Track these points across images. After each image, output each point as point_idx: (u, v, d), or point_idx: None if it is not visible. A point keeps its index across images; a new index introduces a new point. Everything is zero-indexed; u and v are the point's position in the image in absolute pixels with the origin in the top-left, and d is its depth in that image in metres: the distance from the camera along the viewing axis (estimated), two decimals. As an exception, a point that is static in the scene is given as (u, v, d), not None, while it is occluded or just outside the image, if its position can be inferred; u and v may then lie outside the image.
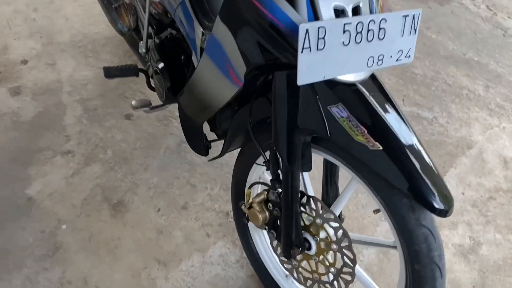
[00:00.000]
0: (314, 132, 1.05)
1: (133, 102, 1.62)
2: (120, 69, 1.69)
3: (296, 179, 1.15)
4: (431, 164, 1.00)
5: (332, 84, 0.99)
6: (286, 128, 1.08)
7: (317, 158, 1.14)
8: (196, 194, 1.78)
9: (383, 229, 1.72)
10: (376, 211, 1.13)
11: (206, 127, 1.51)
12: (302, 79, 0.87)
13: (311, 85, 1.01)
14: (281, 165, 1.16)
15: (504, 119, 2.20)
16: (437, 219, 1.01)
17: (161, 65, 1.58)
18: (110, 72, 1.67)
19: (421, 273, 1.03)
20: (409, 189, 0.97)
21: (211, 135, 1.55)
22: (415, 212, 1.00)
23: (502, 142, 2.09)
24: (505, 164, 1.99)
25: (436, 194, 0.96)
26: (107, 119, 2.06)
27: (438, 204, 0.96)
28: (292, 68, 0.95)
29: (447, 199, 0.97)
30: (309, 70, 0.86)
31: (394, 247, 1.11)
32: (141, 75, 1.78)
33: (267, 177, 1.35)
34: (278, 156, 1.15)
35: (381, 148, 0.97)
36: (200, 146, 1.52)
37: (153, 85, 1.69)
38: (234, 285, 1.53)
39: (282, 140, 1.09)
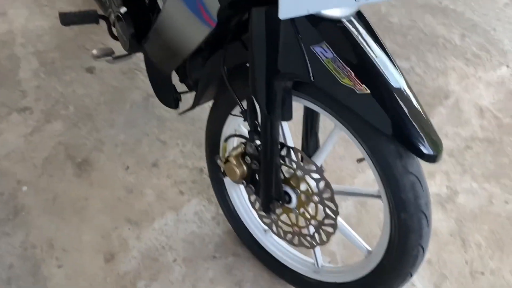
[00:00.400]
0: (296, 76, 0.97)
1: (94, 51, 1.48)
2: (78, 15, 1.53)
3: (275, 129, 1.07)
4: (420, 109, 0.94)
5: (315, 21, 0.90)
6: (265, 73, 0.98)
7: (297, 106, 1.06)
8: (167, 151, 1.69)
9: (361, 180, 1.69)
10: (360, 160, 1.07)
11: (175, 78, 1.40)
12: (284, 12, 0.77)
13: (293, 23, 0.91)
14: (259, 115, 1.08)
15: (480, 68, 2.17)
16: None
17: (123, 9, 1.44)
18: (67, 18, 1.52)
19: (408, 222, 0.99)
20: (397, 135, 0.91)
21: (181, 87, 1.44)
22: (403, 159, 0.95)
23: (478, 91, 2.06)
24: (481, 113, 1.97)
25: (424, 139, 0.91)
26: (67, 73, 1.91)
27: (427, 149, 0.91)
28: (271, 2, 0.85)
29: (436, 144, 0.92)
30: (292, 1, 0.77)
31: (379, 196, 1.07)
32: (102, 22, 1.62)
33: (244, 129, 1.27)
34: (256, 105, 1.06)
35: (368, 91, 0.90)
36: (169, 98, 1.41)
37: (115, 33, 1.55)
38: (211, 242, 1.47)
39: (260, 86, 1.00)
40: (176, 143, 1.71)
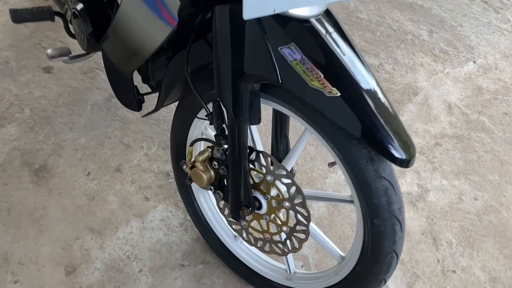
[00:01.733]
0: (263, 78, 0.92)
1: (49, 51, 1.38)
2: (31, 12, 1.43)
3: (243, 133, 1.02)
4: (391, 110, 0.91)
5: (283, 21, 0.85)
6: (230, 75, 0.93)
7: (265, 109, 1.01)
8: (131, 155, 1.61)
9: (333, 181, 1.66)
10: (332, 164, 1.04)
11: (137, 78, 1.33)
12: (249, 12, 0.71)
13: (259, 22, 0.86)
14: (226, 119, 1.02)
15: (448, 64, 2.17)
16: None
17: (80, 6, 1.34)
18: (18, 15, 1.41)
19: (381, 228, 0.96)
20: (368, 139, 0.88)
21: (144, 87, 1.37)
22: (375, 164, 0.92)
23: (446, 87, 2.07)
24: (450, 110, 1.98)
25: (396, 143, 0.88)
26: (22, 73, 1.80)
27: (399, 154, 0.87)
28: (235, 0, 0.79)
29: (408, 148, 0.89)
30: (257, 0, 0.71)
31: (351, 201, 1.03)
32: (58, 20, 1.52)
33: (211, 132, 1.21)
34: (223, 108, 1.01)
35: (338, 94, 0.86)
36: (131, 100, 1.33)
37: (72, 31, 1.45)
38: (178, 250, 1.41)
39: (226, 89, 0.95)
40: (141, 146, 1.64)
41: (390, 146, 0.87)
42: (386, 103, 0.90)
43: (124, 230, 1.43)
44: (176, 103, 1.25)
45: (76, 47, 1.50)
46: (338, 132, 0.91)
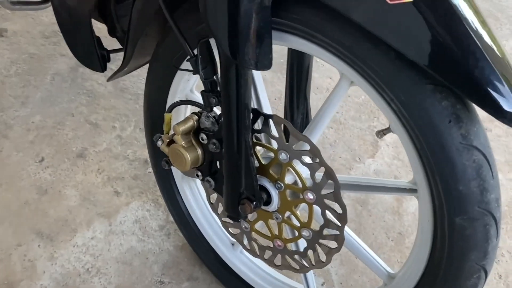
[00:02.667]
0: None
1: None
2: None
3: (245, 86, 0.66)
4: (493, 37, 0.55)
5: None
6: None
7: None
8: (99, 137, 1.25)
9: (360, 173, 1.30)
10: (382, 132, 0.67)
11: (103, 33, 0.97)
12: None
13: None
14: (218, 64, 0.67)
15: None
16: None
17: None
18: None
19: (467, 231, 0.60)
20: (458, 79, 0.52)
21: (112, 44, 1.01)
22: (462, 124, 0.56)
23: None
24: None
25: (506, 86, 0.51)
26: (-32, 37, 1.45)
27: (510, 104, 0.51)
28: None
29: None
30: None
31: (413, 190, 0.67)
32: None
33: (198, 95, 0.86)
34: (214, 46, 0.66)
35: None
36: (91, 55, 0.98)
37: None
38: (157, 261, 1.05)
39: (217, 6, 0.59)
40: (112, 126, 1.28)
41: (495, 92, 0.51)
42: (486, 26, 0.54)
43: (85, 235, 1.07)
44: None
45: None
46: (402, 70, 0.55)
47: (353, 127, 1.41)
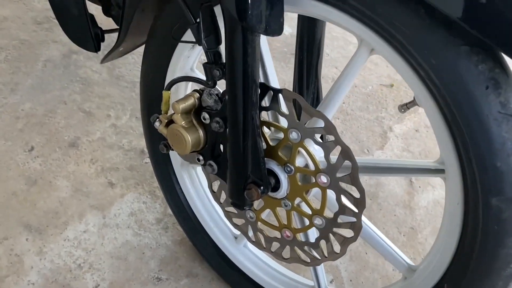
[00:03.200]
0: None
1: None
2: None
3: (253, 54, 0.60)
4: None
5: None
6: None
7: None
8: (93, 125, 1.18)
9: (368, 165, 1.22)
10: (406, 106, 0.61)
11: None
12: None
13: None
14: (224, 32, 0.61)
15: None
16: None
17: None
18: None
19: (504, 214, 0.53)
20: (498, 32, 0.45)
21: (108, 24, 0.95)
22: (501, 91, 0.50)
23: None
24: None
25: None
26: (-44, 23, 1.37)
27: None
28: None
29: None
30: None
31: (440, 171, 0.60)
32: None
33: (199, 75, 0.79)
34: (219, 17, 0.60)
35: None
36: (84, 34, 0.91)
37: None
38: (154, 256, 0.98)
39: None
40: (107, 114, 1.21)
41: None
42: None
43: (77, 228, 1.00)
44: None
45: None
46: (434, 28, 0.48)
47: (361, 118, 1.35)
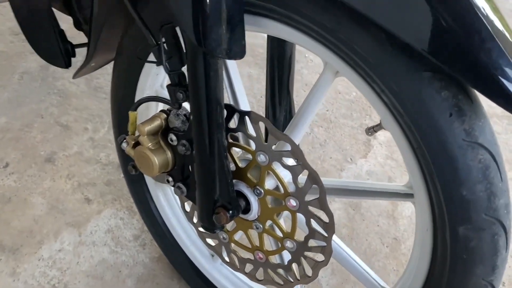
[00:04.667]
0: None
1: None
2: None
3: (215, 77, 0.58)
4: (499, 11, 0.46)
5: None
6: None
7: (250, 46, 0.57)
8: (70, 139, 1.16)
9: (351, 174, 1.21)
10: (373, 129, 0.59)
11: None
12: None
13: None
14: (185, 54, 0.59)
15: None
16: None
17: None
18: None
19: (472, 243, 0.51)
20: (461, 63, 0.44)
21: (78, 38, 0.93)
22: (465, 118, 0.48)
23: None
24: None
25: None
26: None
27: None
28: None
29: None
30: None
31: (409, 195, 0.58)
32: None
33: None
34: (179, 31, 0.58)
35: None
36: (54, 50, 0.89)
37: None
38: (131, 274, 0.96)
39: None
40: (84, 127, 1.18)
41: (504, 78, 0.43)
42: (497, 12, 0.46)
43: (52, 247, 0.98)
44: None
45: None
46: (395, 55, 0.47)
47: (344, 125, 1.33)
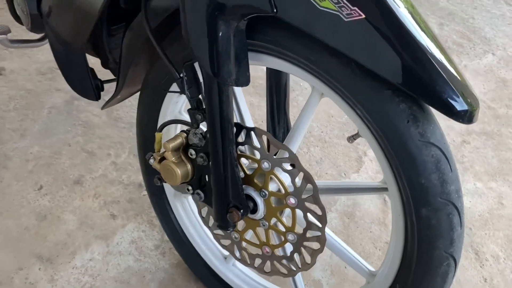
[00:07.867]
0: (249, 9, 0.64)
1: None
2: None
3: (226, 101, 0.73)
4: (439, 43, 0.62)
5: None
6: (204, 9, 0.65)
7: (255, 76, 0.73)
8: (95, 164, 1.31)
9: (345, 187, 1.35)
10: (353, 137, 0.74)
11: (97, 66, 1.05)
12: None
13: None
14: (203, 83, 0.74)
15: (464, 57, 1.92)
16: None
17: (22, -24, 1.08)
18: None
19: (432, 221, 0.66)
20: (410, 83, 0.59)
21: (105, 75, 1.09)
22: (419, 124, 0.63)
23: (466, 80, 1.80)
24: (474, 103, 1.70)
25: (453, 87, 0.59)
26: (-32, 76, 1.52)
27: (459, 103, 0.59)
28: None
29: (469, 96, 0.60)
30: None
31: (384, 189, 0.73)
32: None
33: (186, 116, 0.92)
34: (197, 67, 0.73)
35: (363, 16, 0.58)
36: (86, 86, 1.04)
37: (17, 12, 1.18)
38: (153, 279, 1.09)
39: (198, 31, 0.67)
40: (107, 153, 1.34)
41: (444, 93, 0.58)
42: (429, 32, 0.62)
43: (83, 257, 1.11)
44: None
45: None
46: (364, 79, 0.62)
47: (338, 144, 1.48)
